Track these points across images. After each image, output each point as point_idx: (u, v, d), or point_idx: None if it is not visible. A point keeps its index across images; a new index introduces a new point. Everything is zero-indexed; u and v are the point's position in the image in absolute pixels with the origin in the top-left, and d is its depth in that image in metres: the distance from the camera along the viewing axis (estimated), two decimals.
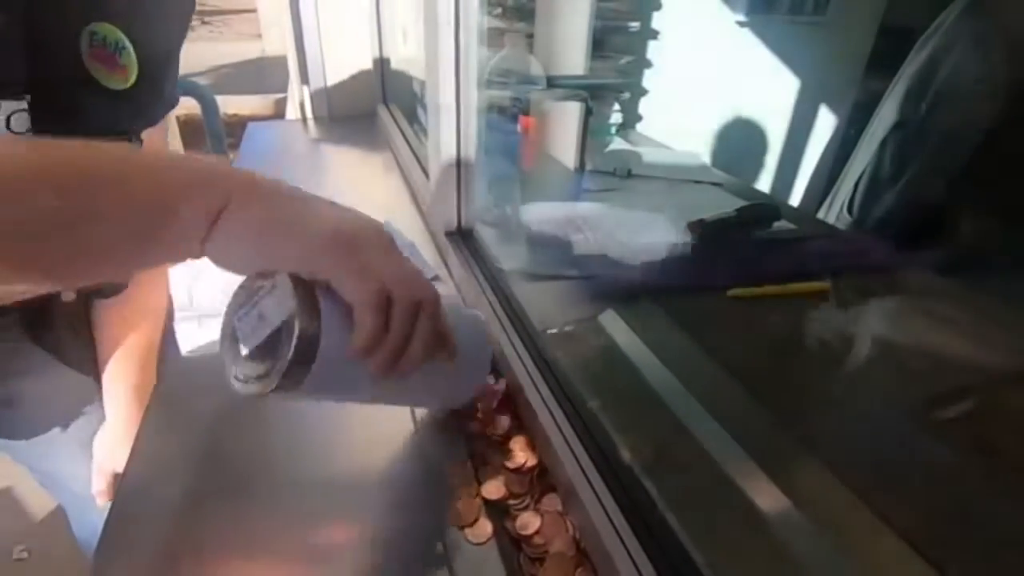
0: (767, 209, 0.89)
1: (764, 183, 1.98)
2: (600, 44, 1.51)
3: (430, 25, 0.67)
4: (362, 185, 1.15)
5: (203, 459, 0.48)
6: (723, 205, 0.91)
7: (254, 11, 7.21)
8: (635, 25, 1.48)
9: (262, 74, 5.55)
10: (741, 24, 1.78)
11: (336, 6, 1.39)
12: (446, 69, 0.68)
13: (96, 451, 0.63)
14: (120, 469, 0.63)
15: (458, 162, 0.73)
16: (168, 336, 0.62)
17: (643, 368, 0.58)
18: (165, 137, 0.65)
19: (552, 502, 0.45)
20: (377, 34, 1.40)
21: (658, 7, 1.60)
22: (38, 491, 1.44)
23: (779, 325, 0.69)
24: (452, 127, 0.71)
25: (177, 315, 0.64)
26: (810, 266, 0.77)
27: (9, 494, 1.45)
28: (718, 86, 1.80)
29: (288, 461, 0.48)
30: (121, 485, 0.46)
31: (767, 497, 0.45)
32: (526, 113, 0.78)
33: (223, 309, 0.65)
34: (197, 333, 0.61)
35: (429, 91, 0.73)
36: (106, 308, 0.60)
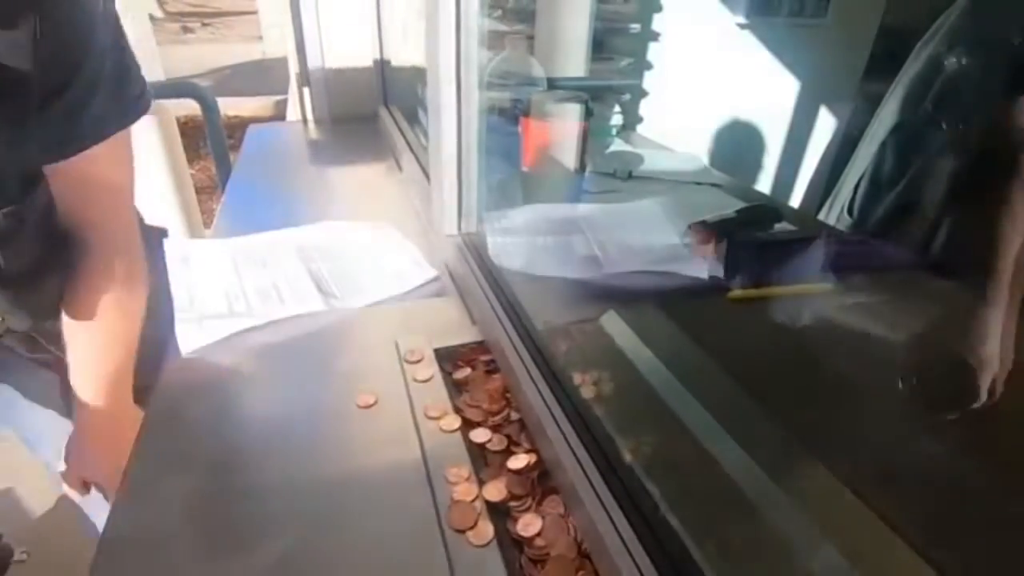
0: (767, 210, 0.89)
1: (764, 185, 1.98)
2: (601, 46, 1.51)
3: (431, 27, 0.67)
4: (363, 187, 1.15)
5: (203, 459, 0.48)
6: (724, 207, 0.91)
7: (255, 13, 7.22)
8: (636, 27, 1.48)
9: (262, 76, 5.55)
10: (741, 26, 1.78)
11: (337, 8, 1.39)
12: (447, 71, 0.68)
13: (65, 457, 0.66)
14: (88, 474, 0.65)
15: (459, 164, 0.73)
16: (168, 337, 0.62)
17: (644, 369, 0.58)
18: (119, 159, 0.58)
19: (553, 504, 0.45)
20: (377, 36, 1.40)
21: (659, 9, 1.60)
22: (37, 493, 1.44)
23: (779, 327, 0.69)
24: (453, 129, 0.71)
25: (177, 316, 0.64)
26: (811, 268, 0.77)
27: (8, 496, 1.45)
28: (718, 88, 1.80)
29: (287, 462, 0.48)
30: (122, 485, 0.46)
31: (769, 498, 0.45)
32: (527, 115, 0.78)
33: (223, 311, 0.65)
34: (197, 335, 0.61)
35: (430, 93, 0.73)
36: (75, 334, 0.61)
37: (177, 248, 0.76)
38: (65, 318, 0.61)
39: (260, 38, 6.99)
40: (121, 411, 0.65)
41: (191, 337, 0.60)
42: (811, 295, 0.74)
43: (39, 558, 1.27)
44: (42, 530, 1.39)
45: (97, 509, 0.68)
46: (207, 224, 2.06)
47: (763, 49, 1.83)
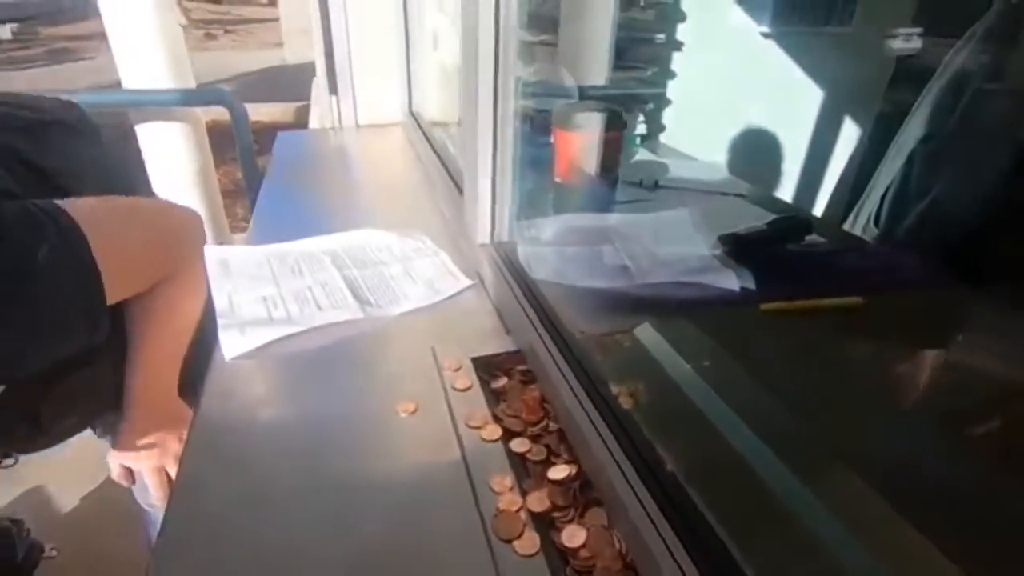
0: (799, 222, 0.89)
1: (786, 193, 1.97)
2: (624, 55, 1.52)
3: (469, 37, 0.68)
4: (390, 193, 1.16)
5: (251, 464, 0.49)
6: (750, 217, 0.91)
7: (276, 20, 7.34)
8: (661, 37, 1.48)
9: (283, 82, 5.64)
10: (765, 35, 1.78)
11: (364, 17, 1.41)
12: (485, 81, 0.69)
13: (113, 446, 0.69)
14: (132, 463, 0.68)
15: (493, 174, 0.74)
16: (211, 340, 0.64)
17: (681, 381, 0.58)
18: None
19: (596, 516, 0.45)
20: (404, 44, 1.42)
21: (683, 19, 1.61)
22: (67, 490, 1.47)
23: (812, 340, 0.69)
24: (489, 139, 0.72)
25: (219, 321, 0.65)
26: (843, 281, 0.77)
27: (40, 492, 1.48)
28: (741, 97, 1.80)
29: (334, 468, 0.49)
30: (175, 488, 0.47)
31: (810, 508, 0.45)
32: (559, 126, 0.79)
33: (263, 317, 0.66)
34: (240, 340, 0.62)
35: (465, 103, 0.74)
36: (138, 328, 0.64)
37: (216, 253, 0.77)
38: (128, 313, 0.63)
39: (280, 44, 7.11)
40: (168, 403, 0.69)
41: (234, 343, 0.61)
42: (843, 309, 0.74)
43: (68, 555, 1.30)
44: (71, 528, 1.42)
45: (145, 495, 0.70)
46: (233, 228, 2.10)
47: (787, 58, 1.82)
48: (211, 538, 0.43)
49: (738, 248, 0.81)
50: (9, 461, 0.66)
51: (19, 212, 0.46)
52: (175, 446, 0.67)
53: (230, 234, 1.99)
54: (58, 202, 0.50)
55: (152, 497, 0.68)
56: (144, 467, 0.66)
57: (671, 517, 0.41)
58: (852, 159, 1.93)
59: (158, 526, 0.80)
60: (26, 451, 0.67)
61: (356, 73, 1.45)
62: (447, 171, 1.06)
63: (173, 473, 0.66)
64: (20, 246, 0.45)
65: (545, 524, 0.44)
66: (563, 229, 0.86)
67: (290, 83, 5.07)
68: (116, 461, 0.68)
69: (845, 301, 0.74)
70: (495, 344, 0.65)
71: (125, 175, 0.78)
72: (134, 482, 0.69)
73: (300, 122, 3.90)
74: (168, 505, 0.45)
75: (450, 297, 0.74)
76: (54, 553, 1.32)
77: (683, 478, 0.44)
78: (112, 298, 0.52)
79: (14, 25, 8.48)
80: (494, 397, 0.58)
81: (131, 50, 1.55)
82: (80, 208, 0.51)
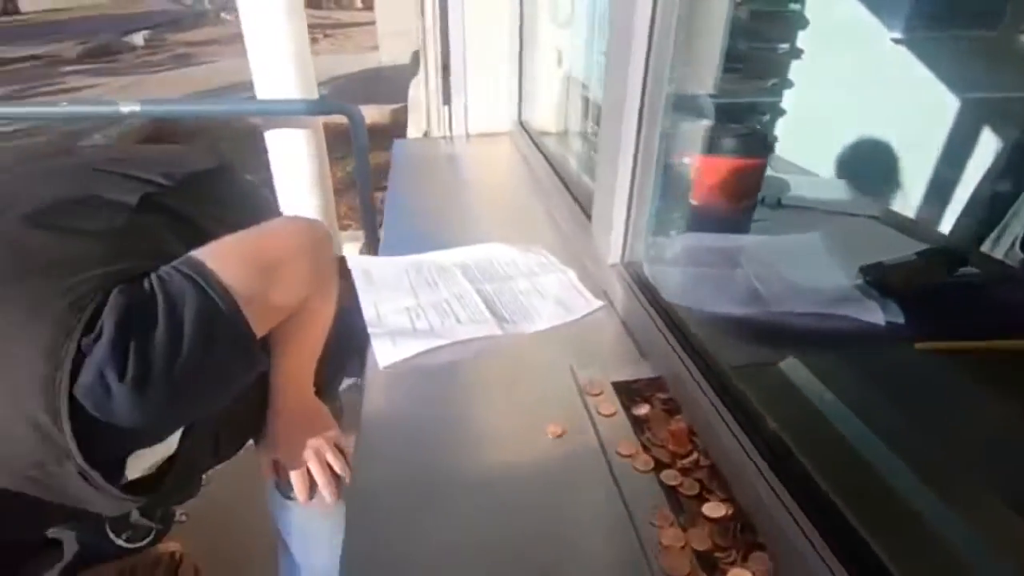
0: (953, 254, 0.82)
1: (908, 209, 1.83)
2: (741, 60, 1.46)
3: (618, 53, 0.68)
4: (505, 204, 1.19)
5: (411, 474, 0.52)
6: (884, 241, 0.85)
7: (372, 24, 7.68)
8: (784, 46, 1.42)
9: (379, 84, 5.89)
10: (896, 42, 1.65)
11: (479, 29, 1.45)
12: (632, 100, 0.68)
13: (256, 441, 0.74)
14: (279, 454, 0.72)
15: (630, 195, 0.74)
16: (361, 345, 0.68)
17: (839, 422, 0.56)
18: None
19: (759, 560, 0.44)
20: (518, 56, 1.45)
21: (804, 26, 1.53)
22: None
23: (977, 384, 0.64)
24: (630, 159, 0.72)
25: (370, 330, 0.69)
26: (1012, 320, 0.70)
27: None
28: (865, 107, 1.68)
29: (493, 486, 0.51)
30: (349, 494, 0.51)
31: (986, 555, 0.43)
32: (701, 149, 0.78)
33: (408, 327, 0.70)
34: (392, 350, 0.66)
35: (607, 124, 0.75)
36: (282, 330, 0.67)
37: (360, 263, 0.82)
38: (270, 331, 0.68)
39: (375, 48, 7.43)
40: (307, 403, 0.73)
41: (387, 352, 0.65)
42: (1013, 352, 0.68)
43: (197, 520, 1.43)
44: (200, 495, 1.55)
45: (287, 490, 0.76)
46: (342, 227, 2.23)
47: (919, 66, 1.69)
48: (390, 542, 0.46)
49: (883, 279, 0.77)
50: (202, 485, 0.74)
51: (166, 279, 0.49)
52: (317, 444, 0.71)
53: (338, 231, 2.12)
54: (196, 254, 0.52)
55: (294, 492, 0.73)
56: (290, 466, 0.72)
57: (848, 566, 0.39)
58: (989, 175, 1.76)
59: (292, 516, 0.86)
60: (205, 471, 0.74)
61: (470, 84, 1.49)
62: (565, 186, 1.07)
63: (314, 470, 0.71)
64: (170, 311, 0.47)
65: (708, 564, 0.44)
66: (689, 249, 0.85)
67: (385, 85, 5.29)
68: (264, 458, 0.74)
69: (1016, 344, 0.68)
70: (632, 369, 0.65)
71: (256, 199, 0.83)
72: (279, 477, 0.74)
73: (396, 124, 4.07)
74: (348, 516, 0.49)
75: (581, 317, 0.74)
76: (183, 518, 1.46)
77: (858, 524, 0.42)
78: (261, 332, 0.55)
79: (146, 32, 9.42)
80: (637, 425, 0.58)
81: (264, 56, 1.67)
82: (219, 256, 0.52)
